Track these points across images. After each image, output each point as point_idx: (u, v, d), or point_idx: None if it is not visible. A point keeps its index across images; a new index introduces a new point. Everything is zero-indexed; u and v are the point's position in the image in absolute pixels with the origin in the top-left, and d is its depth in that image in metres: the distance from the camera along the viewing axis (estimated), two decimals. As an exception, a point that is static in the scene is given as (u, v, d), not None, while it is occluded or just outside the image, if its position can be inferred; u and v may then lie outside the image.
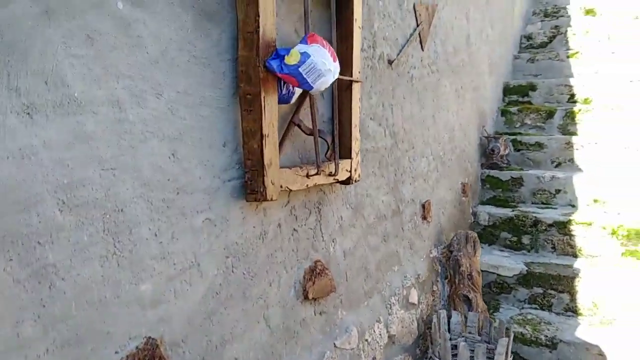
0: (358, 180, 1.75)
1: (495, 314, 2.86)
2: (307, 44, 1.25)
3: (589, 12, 5.02)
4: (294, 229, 1.55)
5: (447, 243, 2.85)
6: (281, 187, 1.34)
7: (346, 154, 1.66)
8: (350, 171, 1.68)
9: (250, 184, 1.28)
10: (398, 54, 2.26)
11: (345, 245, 1.85)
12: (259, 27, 1.21)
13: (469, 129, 3.44)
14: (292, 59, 1.20)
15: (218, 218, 1.25)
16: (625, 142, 3.49)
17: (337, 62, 1.31)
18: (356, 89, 1.68)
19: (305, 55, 1.21)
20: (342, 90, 1.65)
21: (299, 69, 1.21)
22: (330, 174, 1.55)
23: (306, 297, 1.58)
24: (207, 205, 1.22)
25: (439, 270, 2.79)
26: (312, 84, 1.24)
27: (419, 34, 2.50)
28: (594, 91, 4.09)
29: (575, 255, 3.08)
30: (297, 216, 1.56)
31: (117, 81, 0.96)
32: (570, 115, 3.93)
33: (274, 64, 1.21)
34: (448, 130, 2.98)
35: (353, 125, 1.68)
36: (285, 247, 1.51)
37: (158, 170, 1.08)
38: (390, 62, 2.19)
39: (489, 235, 3.33)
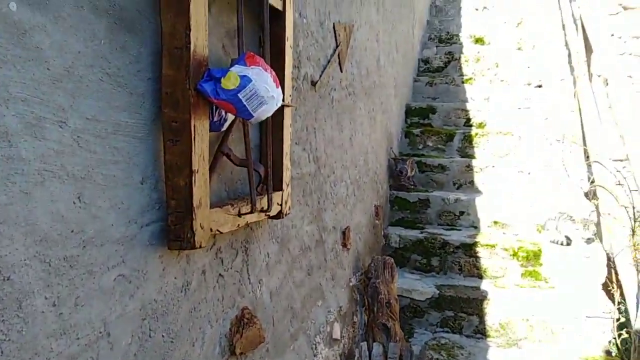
0: (288, 214, 1.59)
1: (410, 339, 2.84)
2: (245, 65, 1.07)
3: (478, 40, 5.39)
4: (220, 274, 1.34)
5: (364, 270, 2.79)
6: (211, 230, 1.13)
7: (277, 185, 1.49)
8: (281, 204, 1.52)
9: (174, 229, 1.06)
10: (320, 75, 2.15)
11: (271, 285, 1.67)
12: (189, 42, 1.00)
13: (380, 151, 3.45)
14: (230, 82, 1.02)
15: (134, 273, 1.01)
16: (519, 166, 3.73)
17: (280, 88, 1.15)
18: (288, 113, 1.52)
19: (245, 80, 1.03)
20: (273, 115, 1.48)
21: (239, 94, 1.03)
22: (262, 210, 1.37)
23: (233, 353, 1.38)
24: (121, 258, 0.97)
25: (358, 299, 2.71)
26: (252, 113, 1.06)
27: (338, 54, 2.42)
28: (488, 116, 4.35)
29: (481, 277, 3.18)
30: (223, 259, 1.35)
31: (5, 106, 0.71)
32: (468, 139, 4.13)
33: (208, 88, 1.02)
34: (363, 153, 2.94)
35: (284, 154, 1.52)
36: (210, 297, 1.30)
37: (59, 220, 0.82)
38: (313, 84, 2.07)
39: (400, 257, 3.34)
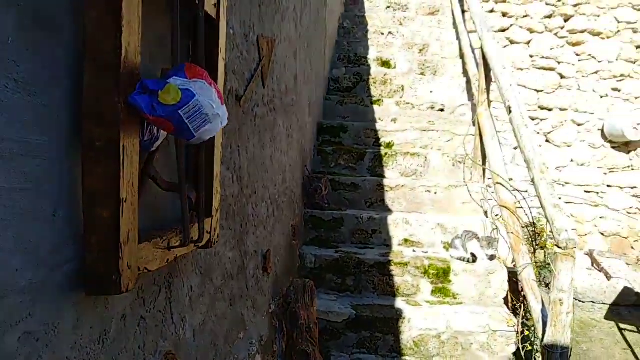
0: (217, 241, 1.43)
1: (328, 364, 2.77)
2: (186, 77, 0.93)
3: (385, 63, 5.57)
4: (142, 317, 1.15)
5: (283, 294, 2.67)
6: (139, 269, 0.96)
7: (207, 211, 1.34)
8: (211, 232, 1.36)
9: (95, 271, 0.88)
10: (245, 90, 2.02)
11: (195, 322, 1.50)
12: (120, 46, 0.84)
13: (296, 169, 3.37)
14: (169, 97, 0.87)
15: (42, 328, 0.81)
16: (426, 185, 3.87)
17: (224, 105, 1.01)
18: (220, 132, 1.38)
19: (187, 94, 0.89)
20: (203, 133, 1.33)
21: (180, 111, 0.88)
22: (192, 241, 1.21)
23: (156, 407, 1.19)
24: (27, 312, 0.77)
25: (277, 326, 2.58)
26: (194, 132, 0.92)
27: (262, 69, 2.31)
28: (395, 137, 4.49)
29: (394, 295, 3.21)
30: (145, 299, 1.16)
31: None
32: (378, 158, 4.22)
33: (142, 102, 0.86)
34: (282, 172, 2.84)
35: (215, 176, 1.37)
36: (131, 346, 1.10)
37: (-56, 271, 0.62)
38: (238, 99, 1.94)
39: (316, 277, 3.26)
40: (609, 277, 5.39)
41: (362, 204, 3.91)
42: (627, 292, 5.17)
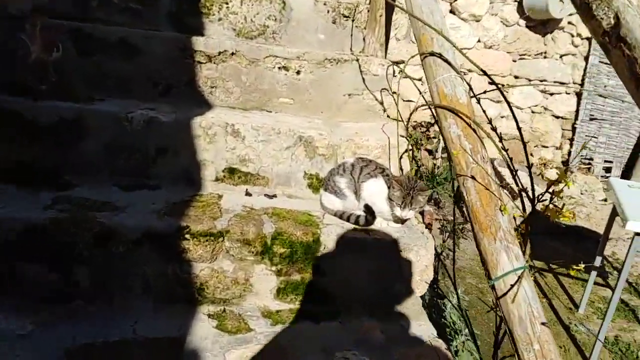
0: None
1: None
2: None
3: None
4: None
5: None
6: None
7: None
8: None
9: None
10: None
11: None
12: None
13: None
14: None
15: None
16: (282, 57, 1.92)
17: None
18: None
19: None
20: None
21: None
22: None
23: None
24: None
25: None
26: None
27: None
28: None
29: (189, 314, 1.36)
30: None
31: None
32: None
33: None
34: None
35: None
36: None
37: None
38: None
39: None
40: (514, 196, 4.22)
41: (147, 87, 1.86)
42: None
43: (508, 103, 1.37)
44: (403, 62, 2.32)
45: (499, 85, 1.38)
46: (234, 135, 1.69)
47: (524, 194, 1.16)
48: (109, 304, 1.38)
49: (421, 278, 1.52)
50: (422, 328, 1.48)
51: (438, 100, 1.38)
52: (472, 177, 1.20)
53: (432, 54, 1.46)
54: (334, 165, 1.69)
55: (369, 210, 1.53)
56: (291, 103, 1.99)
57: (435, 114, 1.40)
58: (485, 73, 1.37)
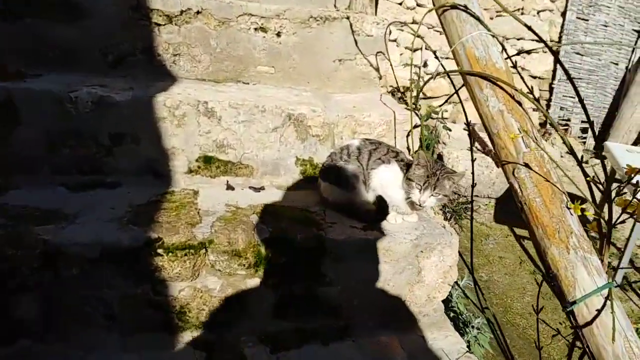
0: None
1: None
2: None
3: None
4: None
5: None
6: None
7: None
8: None
9: None
10: None
11: None
12: None
13: None
14: None
15: None
16: (259, 16, 1.58)
17: None
18: None
19: None
20: None
21: None
22: None
23: None
24: None
25: None
26: None
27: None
28: None
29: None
30: None
31: None
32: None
33: None
34: None
35: None
36: None
37: None
38: None
39: None
40: (498, 163, 4.05)
41: (94, 59, 1.50)
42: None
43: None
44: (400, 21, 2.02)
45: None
46: (208, 115, 1.37)
47: (595, 185, 0.91)
48: (63, 339, 1.08)
49: (444, 280, 1.28)
50: (449, 340, 1.25)
51: (467, 65, 1.11)
52: (526, 165, 0.95)
53: (454, 6, 1.17)
54: (330, 148, 1.41)
55: (380, 203, 1.26)
56: (272, 72, 1.67)
57: (465, 83, 1.13)
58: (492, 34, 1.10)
